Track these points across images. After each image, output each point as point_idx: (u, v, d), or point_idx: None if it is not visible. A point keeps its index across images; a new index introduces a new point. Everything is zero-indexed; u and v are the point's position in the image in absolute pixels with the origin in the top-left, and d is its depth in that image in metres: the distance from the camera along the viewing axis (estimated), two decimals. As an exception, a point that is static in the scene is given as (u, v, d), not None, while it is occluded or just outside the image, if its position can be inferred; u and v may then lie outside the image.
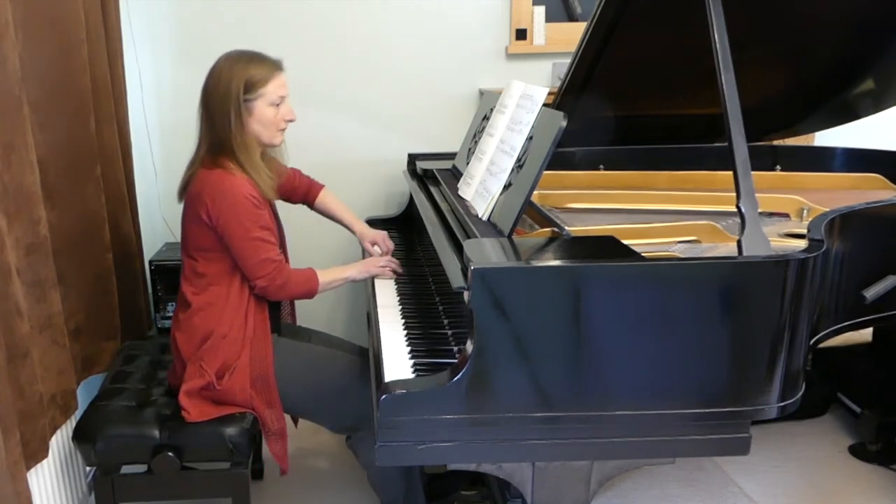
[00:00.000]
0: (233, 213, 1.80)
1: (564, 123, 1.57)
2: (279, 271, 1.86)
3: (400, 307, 1.94)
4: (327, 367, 1.96)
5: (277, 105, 1.88)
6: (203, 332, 1.86)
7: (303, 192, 2.29)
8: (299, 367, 1.93)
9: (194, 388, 1.83)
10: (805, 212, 2.09)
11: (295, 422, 2.14)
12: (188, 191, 1.88)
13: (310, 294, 1.94)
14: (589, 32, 2.08)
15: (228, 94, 1.81)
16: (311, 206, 2.33)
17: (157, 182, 2.76)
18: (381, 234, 2.28)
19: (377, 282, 2.12)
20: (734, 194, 1.54)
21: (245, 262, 1.84)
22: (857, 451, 2.52)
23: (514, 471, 1.52)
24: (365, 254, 2.34)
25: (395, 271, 2.13)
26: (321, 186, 2.31)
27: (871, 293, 1.73)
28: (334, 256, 2.90)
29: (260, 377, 1.87)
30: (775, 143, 2.63)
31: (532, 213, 1.86)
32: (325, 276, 1.96)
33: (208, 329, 1.86)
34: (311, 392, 1.92)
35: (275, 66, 1.88)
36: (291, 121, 1.93)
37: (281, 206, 2.21)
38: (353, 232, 2.32)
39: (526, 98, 1.80)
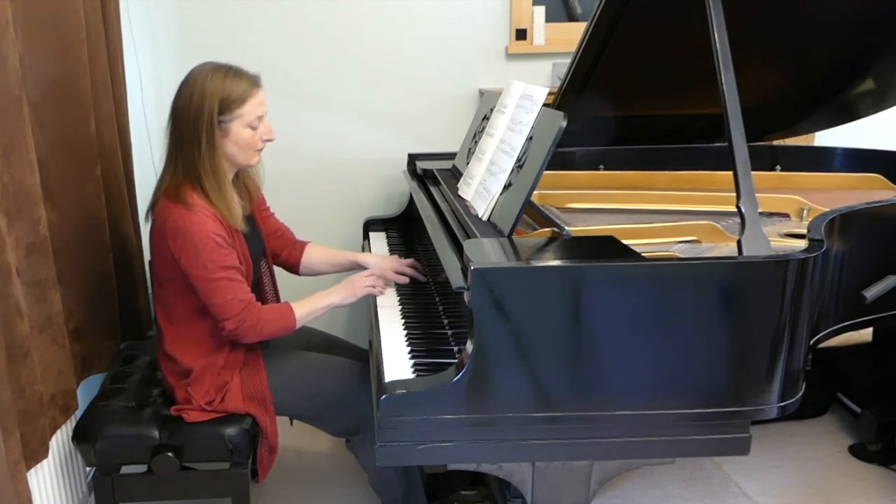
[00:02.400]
0: (193, 254, 1.70)
1: (564, 123, 1.57)
2: (248, 311, 1.75)
3: (400, 307, 1.94)
4: (322, 373, 1.94)
5: (255, 127, 1.75)
6: (183, 368, 1.83)
7: (285, 254, 2.12)
8: (294, 377, 1.92)
9: (185, 409, 1.84)
10: (805, 212, 2.09)
11: (291, 421, 2.13)
12: (154, 219, 1.79)
13: (287, 330, 1.83)
14: (589, 32, 2.08)
15: (201, 114, 1.69)
16: (297, 269, 2.15)
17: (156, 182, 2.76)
18: (398, 261, 2.07)
19: (377, 282, 2.12)
20: (734, 194, 1.55)
21: (210, 303, 1.74)
22: (857, 451, 2.52)
23: (514, 471, 1.52)
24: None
25: (380, 286, 1.97)
26: (305, 243, 2.15)
27: (871, 293, 1.73)
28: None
29: (254, 395, 1.85)
30: (775, 143, 2.63)
31: (532, 213, 1.86)
32: (301, 308, 1.84)
33: (187, 366, 1.82)
34: (308, 400, 1.90)
35: (252, 82, 1.75)
36: (270, 140, 1.80)
37: (277, 207, 2.19)
38: (364, 266, 2.10)
39: (526, 98, 1.80)
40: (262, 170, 1.95)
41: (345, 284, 1.95)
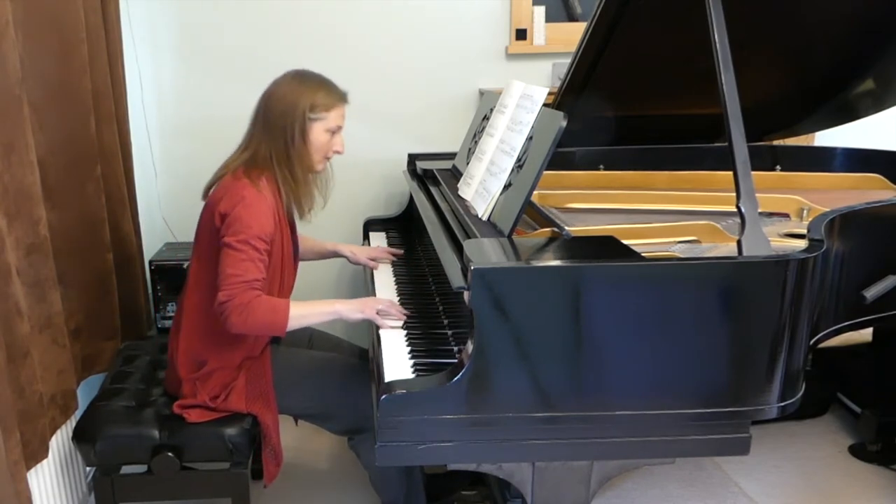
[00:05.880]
0: (238, 217, 1.72)
1: (564, 123, 1.57)
2: (245, 292, 1.69)
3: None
4: (326, 372, 1.95)
5: (333, 133, 1.87)
6: (200, 359, 1.84)
7: None
8: (298, 376, 1.92)
9: (188, 405, 1.84)
10: (805, 212, 2.09)
11: (296, 420, 2.13)
12: (211, 195, 1.84)
13: (275, 326, 1.72)
14: (589, 32, 2.08)
15: (295, 107, 1.81)
16: None
17: (157, 182, 2.76)
18: (378, 249, 2.23)
19: (377, 283, 2.12)
20: (734, 194, 1.54)
21: (221, 267, 1.71)
22: (857, 451, 2.52)
23: (515, 471, 1.52)
24: (368, 281, 2.22)
25: (390, 318, 1.83)
26: None
27: (871, 293, 1.73)
28: (345, 273, 2.93)
29: (258, 395, 1.85)
30: (775, 143, 2.63)
31: (532, 213, 1.86)
32: (298, 309, 1.74)
33: (205, 356, 1.84)
34: (312, 399, 1.91)
35: (341, 96, 1.88)
36: (339, 153, 1.92)
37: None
38: (344, 257, 2.27)
39: (526, 98, 1.80)
40: (332, 180, 2.02)
41: (357, 300, 1.87)
